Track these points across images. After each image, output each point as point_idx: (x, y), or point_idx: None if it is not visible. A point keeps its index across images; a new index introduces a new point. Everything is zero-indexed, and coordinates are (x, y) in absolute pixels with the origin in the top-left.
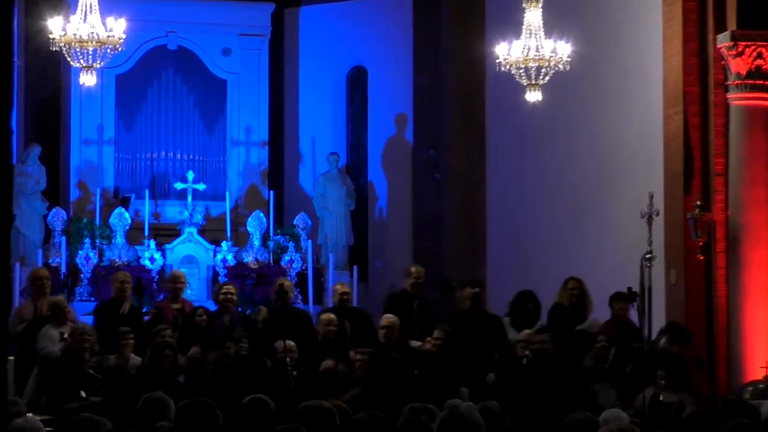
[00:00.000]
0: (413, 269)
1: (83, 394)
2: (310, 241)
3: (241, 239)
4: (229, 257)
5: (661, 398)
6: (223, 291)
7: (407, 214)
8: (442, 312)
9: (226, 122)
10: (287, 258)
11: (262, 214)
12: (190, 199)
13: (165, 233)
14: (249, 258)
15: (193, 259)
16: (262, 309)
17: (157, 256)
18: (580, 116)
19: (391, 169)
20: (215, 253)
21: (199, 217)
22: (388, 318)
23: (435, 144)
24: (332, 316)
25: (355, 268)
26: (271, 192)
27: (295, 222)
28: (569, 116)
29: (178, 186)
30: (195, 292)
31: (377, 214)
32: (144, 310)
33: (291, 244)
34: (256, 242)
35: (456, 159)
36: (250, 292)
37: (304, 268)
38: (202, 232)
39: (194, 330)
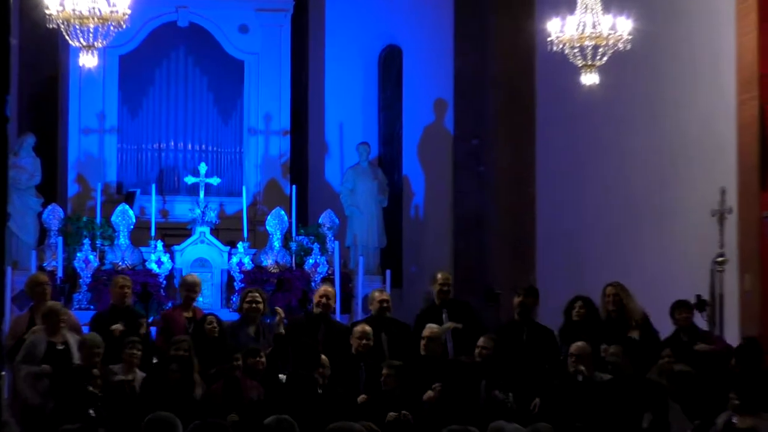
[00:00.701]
0: (439, 275)
1: (92, 413)
2: (336, 243)
3: (259, 240)
4: (246, 260)
5: (735, 422)
6: (248, 298)
7: (447, 213)
8: (486, 322)
9: (243, 108)
10: (311, 261)
11: (283, 212)
12: (202, 194)
13: (174, 233)
14: (268, 261)
15: (205, 263)
16: (279, 311)
17: (165, 258)
18: (642, 102)
19: (428, 162)
20: (230, 255)
21: (212, 215)
22: (430, 329)
23: (478, 133)
24: (368, 328)
25: (388, 273)
26: (293, 187)
27: (320, 221)
28: (629, 102)
29: (189, 180)
30: (207, 300)
31: (413, 212)
32: (150, 320)
33: (315, 246)
34: (277, 243)
35: (502, 150)
36: (270, 300)
37: (330, 272)
38: (215, 232)
39: (204, 340)
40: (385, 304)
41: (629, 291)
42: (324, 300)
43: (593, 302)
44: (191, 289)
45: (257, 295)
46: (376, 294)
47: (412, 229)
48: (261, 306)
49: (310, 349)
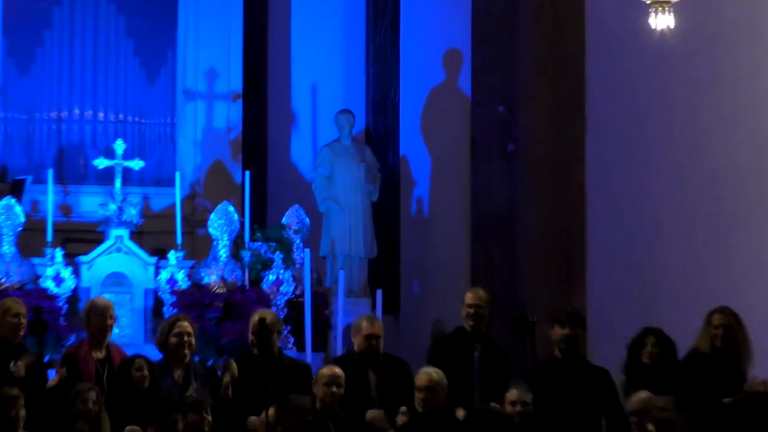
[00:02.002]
0: (470, 294)
1: None
2: (307, 251)
3: (199, 248)
4: (180, 276)
5: None
6: (176, 330)
7: (461, 209)
8: (516, 361)
9: (177, 63)
10: (271, 277)
11: (232, 209)
12: (118, 184)
13: (79, 238)
14: (211, 277)
15: (122, 280)
16: (231, 365)
17: (66, 274)
18: (735, 55)
19: (436, 138)
20: (158, 269)
21: (132, 213)
22: (428, 375)
23: (505, 98)
24: (338, 370)
25: (379, 293)
26: (247, 173)
27: (284, 221)
28: (715, 56)
29: (101, 164)
30: (125, 331)
31: (414, 208)
32: (46, 360)
33: (278, 256)
34: (223, 253)
35: (539, 122)
36: (214, 332)
37: (298, 293)
38: (137, 236)
39: (129, 392)
40: (374, 341)
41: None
42: (256, 330)
43: (668, 338)
44: (99, 314)
45: (187, 324)
46: (364, 324)
47: (414, 232)
48: (191, 339)
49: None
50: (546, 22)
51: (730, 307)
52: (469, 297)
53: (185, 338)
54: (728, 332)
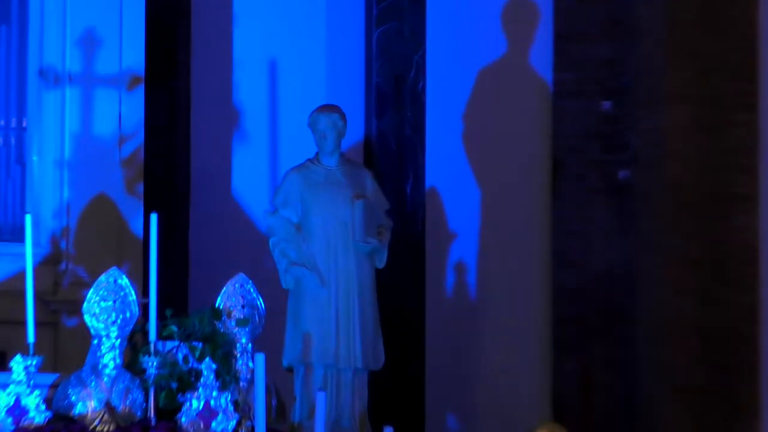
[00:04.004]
0: None
1: None
2: (260, 358)
3: (66, 351)
4: (32, 402)
5: None
6: None
7: (537, 276)
8: None
9: (28, 24)
10: (195, 405)
11: (126, 281)
12: None
13: None
14: (88, 404)
15: None
16: None
17: None
18: None
19: (489, 156)
20: None
21: None
22: None
23: (616, 88)
24: None
25: None
26: (153, 217)
27: (218, 303)
28: None
29: None
30: None
31: (451, 280)
32: None
33: (207, 366)
34: (110, 360)
35: (675, 125)
36: None
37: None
38: None
39: None
40: None
41: None
42: None
43: None
44: None
45: None
46: None
47: (449, 325)
48: None
49: None
50: None
51: None
52: None
53: None
54: None
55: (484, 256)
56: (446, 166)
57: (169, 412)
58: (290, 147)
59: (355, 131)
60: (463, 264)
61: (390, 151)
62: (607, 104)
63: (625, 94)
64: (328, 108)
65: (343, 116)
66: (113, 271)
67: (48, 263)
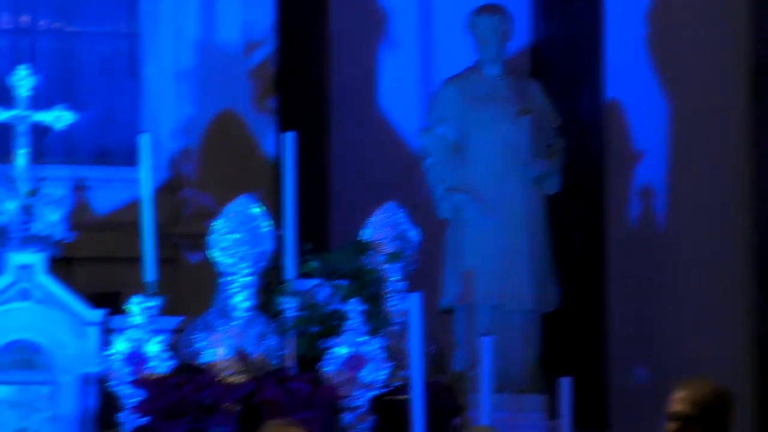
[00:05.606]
0: (680, 394)
1: None
2: (415, 298)
3: (189, 291)
4: (153, 349)
5: None
6: None
7: (735, 201)
8: None
9: None
10: (341, 352)
11: (258, 211)
12: (22, 159)
13: None
14: (218, 351)
15: (33, 356)
16: None
17: None
18: None
19: (676, 61)
20: (106, 335)
21: (52, 220)
22: None
23: None
24: None
25: (565, 385)
26: (288, 137)
27: (366, 235)
28: None
29: None
30: None
31: (635, 211)
32: None
33: (353, 308)
34: (242, 301)
35: None
36: None
37: (397, 383)
38: (62, 266)
39: None
40: None
41: None
42: None
43: None
44: None
45: None
46: None
47: (634, 252)
48: None
49: None
50: None
51: None
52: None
53: None
54: None
55: (674, 180)
56: (628, 76)
57: (309, 360)
58: (445, 55)
59: (521, 36)
60: (650, 189)
61: (561, 59)
62: None
63: None
64: (490, 8)
65: (507, 18)
66: (243, 198)
67: (167, 190)
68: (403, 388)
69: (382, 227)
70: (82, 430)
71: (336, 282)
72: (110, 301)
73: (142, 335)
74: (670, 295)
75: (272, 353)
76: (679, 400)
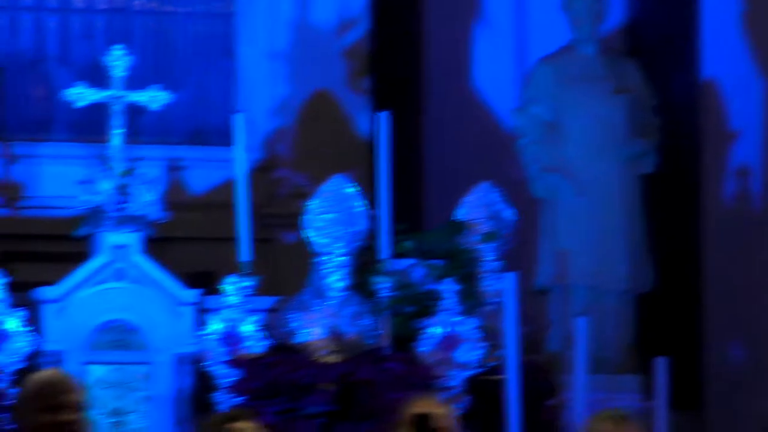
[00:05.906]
0: None
1: None
2: (510, 278)
3: (284, 271)
4: (248, 329)
5: None
6: None
7: None
8: None
9: None
10: (437, 331)
11: (353, 190)
12: (117, 140)
13: (35, 250)
14: (312, 332)
15: (129, 336)
16: None
17: (15, 326)
18: None
19: None
20: (202, 315)
21: (146, 200)
22: None
23: None
24: None
25: (661, 366)
26: (383, 117)
27: (461, 215)
28: None
29: (78, 98)
30: None
31: (730, 191)
32: None
33: (449, 288)
34: (337, 281)
35: None
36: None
37: (492, 363)
38: (157, 246)
39: None
40: None
41: None
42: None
43: None
44: (51, 408)
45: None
46: (608, 429)
47: (731, 232)
48: None
49: None
50: None
51: None
52: None
53: None
54: None
55: None
56: (724, 54)
57: (404, 340)
58: (540, 34)
59: (616, 14)
60: (746, 168)
61: (657, 38)
62: None
63: None
64: None
65: None
66: (338, 178)
67: (261, 170)
68: (498, 369)
69: (477, 207)
70: (177, 410)
71: (431, 262)
72: (205, 281)
73: (237, 315)
74: (767, 275)
75: (367, 333)
76: None
